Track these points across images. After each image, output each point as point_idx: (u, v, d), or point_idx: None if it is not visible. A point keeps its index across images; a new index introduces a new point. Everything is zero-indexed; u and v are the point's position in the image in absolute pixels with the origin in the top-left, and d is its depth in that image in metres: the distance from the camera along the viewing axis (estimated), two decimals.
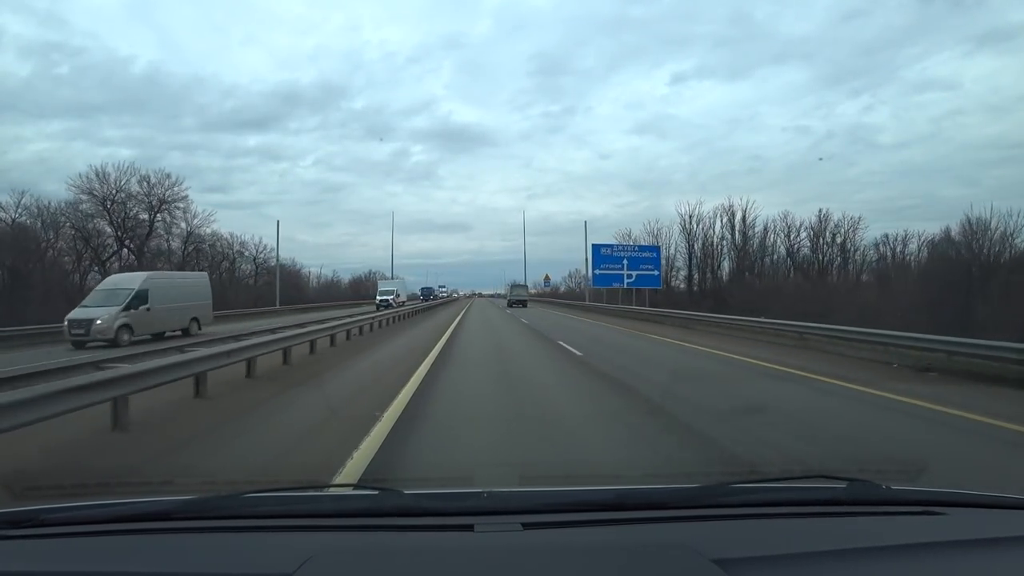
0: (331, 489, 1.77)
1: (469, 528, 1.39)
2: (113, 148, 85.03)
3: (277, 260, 53.04)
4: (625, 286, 43.42)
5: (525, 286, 65.63)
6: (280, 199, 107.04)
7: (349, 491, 1.75)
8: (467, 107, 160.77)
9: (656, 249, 48.17)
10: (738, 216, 54.88)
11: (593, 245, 45.05)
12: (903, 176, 76.13)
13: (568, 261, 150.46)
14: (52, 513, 1.46)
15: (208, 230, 50.80)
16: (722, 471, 4.59)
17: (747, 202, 55.57)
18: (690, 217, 56.97)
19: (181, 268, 42.91)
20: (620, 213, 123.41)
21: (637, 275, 42.96)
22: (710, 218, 56.13)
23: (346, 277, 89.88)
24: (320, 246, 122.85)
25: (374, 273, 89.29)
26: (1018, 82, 72.66)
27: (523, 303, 54.94)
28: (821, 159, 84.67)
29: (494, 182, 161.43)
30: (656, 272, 44.53)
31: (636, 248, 47.00)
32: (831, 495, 1.63)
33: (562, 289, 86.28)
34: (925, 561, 1.29)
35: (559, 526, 1.44)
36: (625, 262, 43.51)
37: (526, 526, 1.40)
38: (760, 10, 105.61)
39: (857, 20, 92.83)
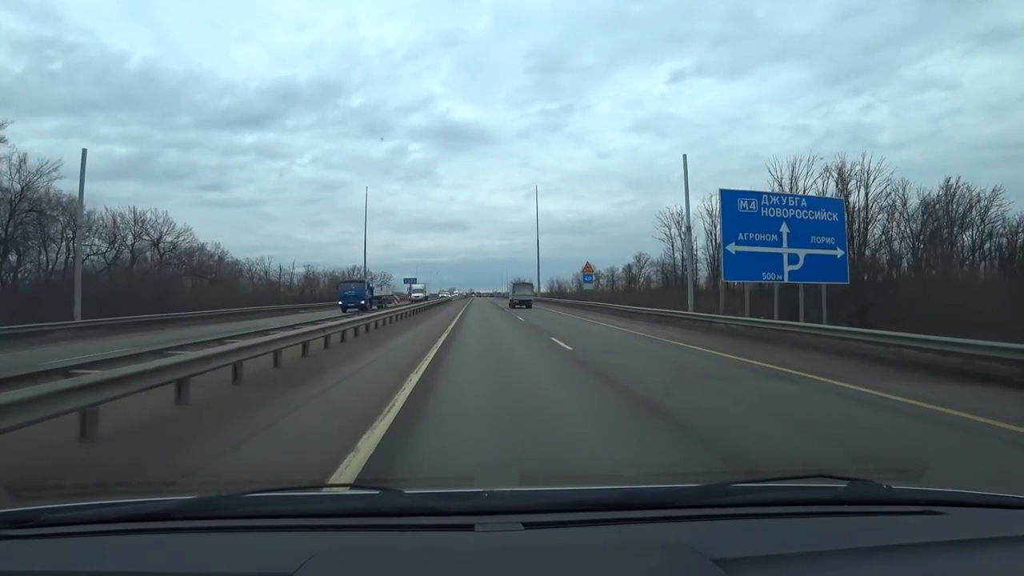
0: (332, 489, 1.81)
1: (470, 528, 1.39)
2: (109, 146, 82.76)
3: (77, 232, 27.83)
4: (787, 280, 21.60)
5: (530, 284, 57.44)
6: (278, 197, 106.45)
7: (350, 491, 1.77)
8: (465, 105, 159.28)
9: (838, 205, 24.46)
10: (852, 183, 35.49)
11: (724, 193, 21.79)
12: (902, 175, 70.74)
13: (568, 260, 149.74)
14: (53, 513, 1.47)
15: (46, 188, 32.32)
16: (723, 471, 4.50)
17: (868, 161, 34.88)
18: (791, 180, 35.55)
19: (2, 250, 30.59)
20: (619, 212, 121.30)
21: (806, 257, 21.45)
22: (818, 187, 35.61)
23: (327, 274, 79.25)
24: (319, 244, 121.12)
25: (357, 270, 76.07)
26: (1018, 82, 69.89)
27: (527, 304, 48.49)
28: (822, 159, 72.99)
29: (493, 181, 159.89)
30: (839, 252, 22.31)
31: (803, 203, 22.65)
32: (832, 495, 1.62)
33: (569, 289, 76.83)
34: (926, 561, 1.29)
35: (560, 526, 1.44)
36: (784, 231, 21.38)
37: (527, 526, 1.40)
38: (761, 7, 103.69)
39: (858, 18, 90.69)
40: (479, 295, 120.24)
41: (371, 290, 48.23)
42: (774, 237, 21.49)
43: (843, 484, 1.64)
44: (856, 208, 35.38)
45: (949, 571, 1.27)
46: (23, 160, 31.25)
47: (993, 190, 36.66)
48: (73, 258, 29.38)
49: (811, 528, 1.48)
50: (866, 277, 32.64)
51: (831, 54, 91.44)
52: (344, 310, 38.46)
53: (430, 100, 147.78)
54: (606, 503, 1.56)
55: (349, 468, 4.57)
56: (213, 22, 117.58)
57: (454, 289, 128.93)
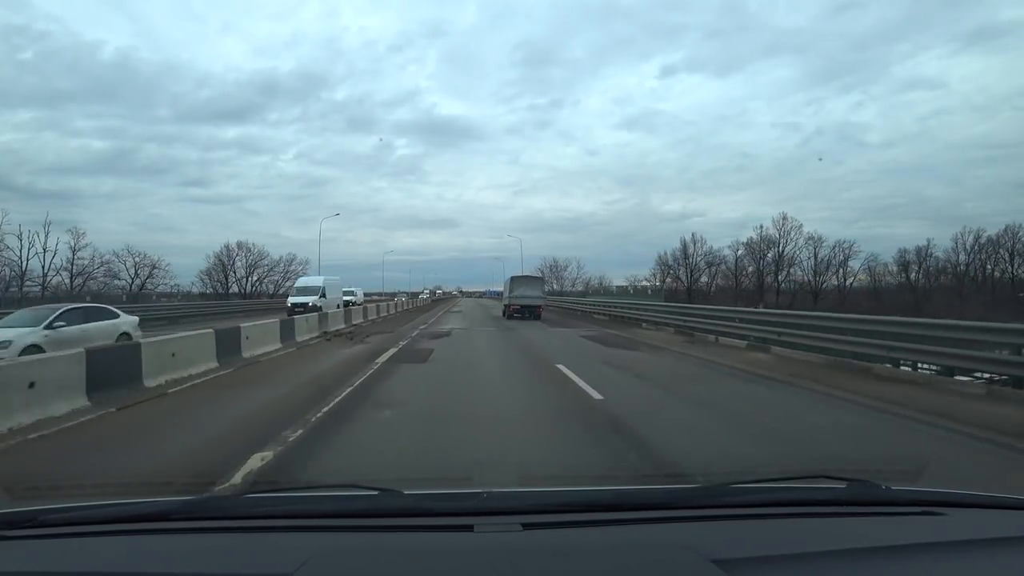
0: (331, 489, 1.81)
1: (469, 528, 1.39)
2: (85, 139, 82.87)
3: None
4: None
5: (540, 279, 36.43)
6: (262, 193, 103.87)
7: (349, 491, 1.77)
8: (452, 99, 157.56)
9: None
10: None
11: None
12: (889, 175, 76.62)
13: (559, 259, 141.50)
14: (51, 514, 1.47)
15: None
16: (723, 471, 4.46)
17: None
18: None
19: None
20: (608, 211, 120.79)
21: None
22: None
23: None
24: (306, 242, 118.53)
25: (291, 264, 60.63)
26: (1004, 82, 70.62)
27: (533, 312, 30.90)
28: (821, 159, 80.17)
29: (481, 178, 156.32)
30: None
31: None
32: (831, 495, 1.63)
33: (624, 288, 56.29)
34: (925, 561, 1.29)
35: (559, 526, 1.43)
36: None
37: (526, 526, 1.40)
38: (753, 0, 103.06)
39: (850, 12, 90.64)
40: (465, 294, 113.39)
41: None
42: None
43: (842, 484, 1.65)
44: None
45: (948, 571, 1.27)
46: None
47: None
48: None
49: (810, 528, 1.48)
50: None
51: (823, 50, 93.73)
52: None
53: (416, 94, 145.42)
54: (605, 504, 1.56)
55: None
56: (190, 10, 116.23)
57: (440, 288, 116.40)
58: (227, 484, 4.24)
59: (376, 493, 1.69)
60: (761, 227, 54.65)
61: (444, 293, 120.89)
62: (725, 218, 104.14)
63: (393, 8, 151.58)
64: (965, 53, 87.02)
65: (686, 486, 1.70)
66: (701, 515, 1.51)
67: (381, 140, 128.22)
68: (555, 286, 73.77)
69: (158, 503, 1.55)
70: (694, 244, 52.64)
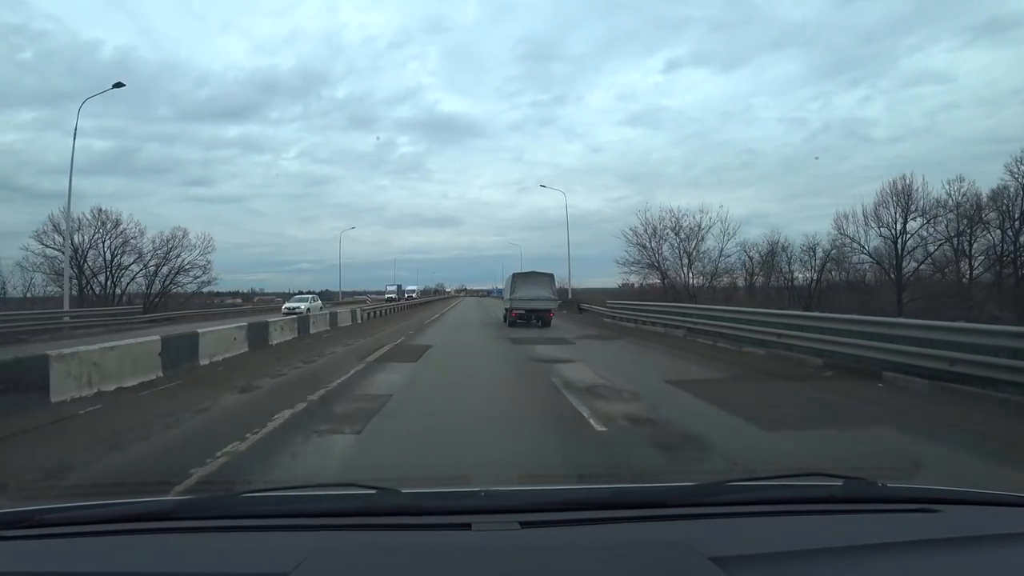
0: (328, 488, 1.82)
1: (467, 527, 1.39)
2: (87, 139, 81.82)
3: None
4: None
5: (550, 275, 25.94)
6: (265, 193, 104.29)
7: (346, 490, 1.78)
8: (454, 96, 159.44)
9: None
10: None
11: None
12: (895, 171, 71.51)
13: (561, 256, 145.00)
14: (49, 513, 1.47)
15: None
16: (720, 470, 4.54)
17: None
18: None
19: None
20: (613, 207, 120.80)
21: None
22: None
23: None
24: (309, 241, 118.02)
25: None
26: (1012, 75, 69.85)
27: (541, 317, 24.31)
28: (817, 158, 79.02)
29: (485, 176, 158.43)
30: None
31: None
32: (827, 493, 1.63)
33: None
34: (921, 558, 1.30)
35: (557, 525, 1.44)
36: None
37: (524, 525, 1.40)
38: None
39: (858, 4, 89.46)
40: (466, 292, 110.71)
41: None
42: None
43: (838, 482, 1.66)
44: None
45: (944, 568, 1.27)
46: None
47: None
48: None
49: (807, 526, 1.49)
50: None
51: (830, 43, 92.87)
52: None
53: (417, 91, 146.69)
54: (603, 502, 1.57)
55: None
56: (189, 8, 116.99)
57: (415, 288, 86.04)
58: None
59: (374, 492, 1.70)
60: (961, 177, 31.10)
61: (440, 292, 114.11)
62: (730, 215, 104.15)
63: (393, 4, 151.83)
64: (973, 46, 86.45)
65: (683, 484, 1.69)
66: (698, 513, 1.51)
67: (378, 138, 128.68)
68: (687, 273, 40.44)
69: (155, 503, 1.56)
70: (911, 192, 27.05)
